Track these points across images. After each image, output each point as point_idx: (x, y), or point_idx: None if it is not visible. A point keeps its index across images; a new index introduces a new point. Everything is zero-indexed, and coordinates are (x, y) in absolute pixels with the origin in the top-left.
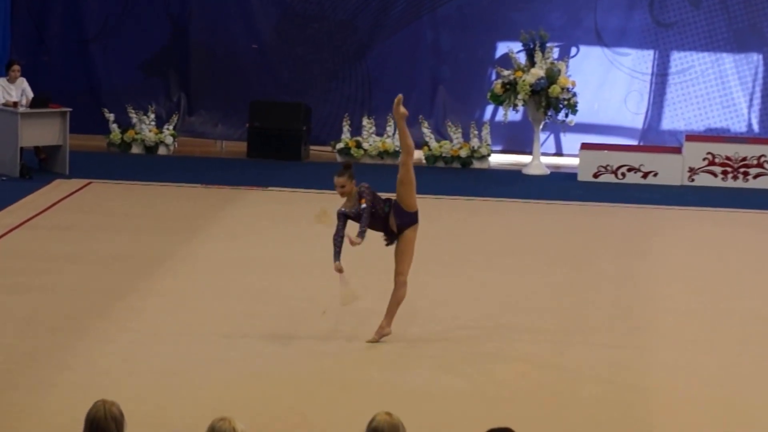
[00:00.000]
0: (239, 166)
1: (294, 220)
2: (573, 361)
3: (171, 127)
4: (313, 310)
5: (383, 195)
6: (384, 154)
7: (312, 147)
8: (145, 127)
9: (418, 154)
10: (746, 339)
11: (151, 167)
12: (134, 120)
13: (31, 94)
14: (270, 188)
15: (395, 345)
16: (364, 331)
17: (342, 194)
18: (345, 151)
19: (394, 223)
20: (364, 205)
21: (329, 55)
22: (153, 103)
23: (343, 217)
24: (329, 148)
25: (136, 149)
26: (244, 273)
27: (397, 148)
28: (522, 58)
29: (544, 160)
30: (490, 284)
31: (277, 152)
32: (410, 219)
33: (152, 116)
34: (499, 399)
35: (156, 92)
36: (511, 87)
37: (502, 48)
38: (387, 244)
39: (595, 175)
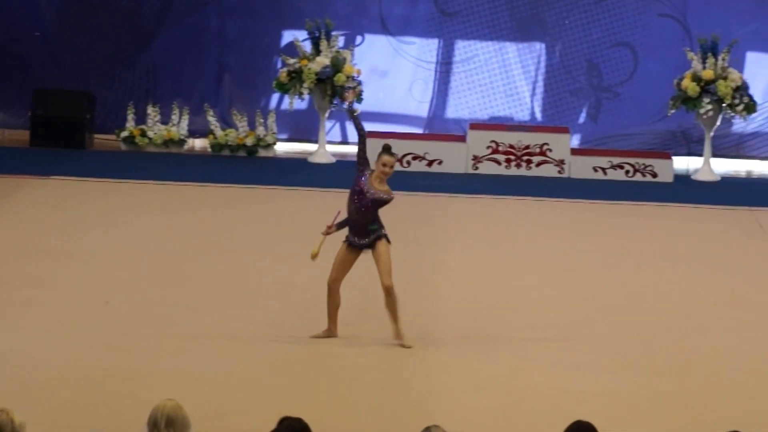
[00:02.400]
0: (21, 155)
1: (74, 209)
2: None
3: None
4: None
5: None
6: (169, 142)
7: (96, 135)
8: None
9: (203, 143)
10: (532, 325)
11: None
12: None
13: None
14: (53, 177)
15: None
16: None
17: (386, 176)
18: (130, 140)
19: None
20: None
21: (114, 42)
22: None
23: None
24: (114, 137)
25: None
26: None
27: (183, 137)
28: (308, 47)
29: (330, 148)
30: (265, 272)
31: (60, 141)
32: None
33: None
34: None
35: None
36: (296, 75)
37: (287, 36)
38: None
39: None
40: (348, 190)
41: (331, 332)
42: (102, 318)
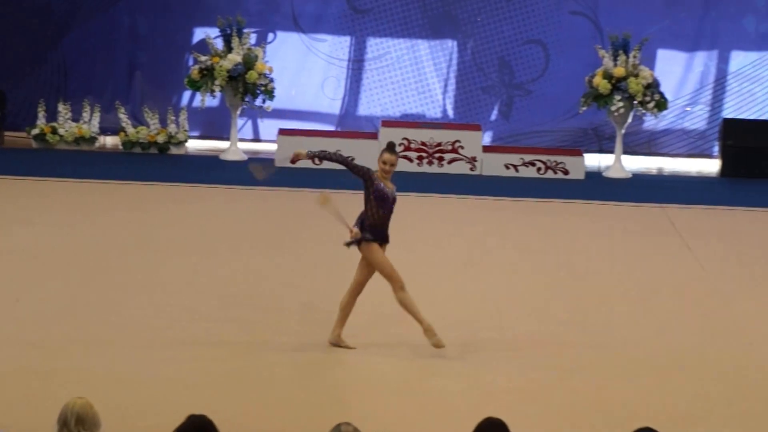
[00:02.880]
0: None
1: None
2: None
3: None
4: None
5: None
6: (80, 140)
7: (7, 133)
8: None
9: (115, 141)
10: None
11: None
12: None
13: None
14: None
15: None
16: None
17: (388, 174)
18: (41, 137)
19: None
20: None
21: (25, 39)
22: None
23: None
24: (24, 134)
25: None
26: None
27: (94, 134)
28: (219, 44)
29: (242, 145)
30: (185, 269)
31: None
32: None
33: None
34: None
35: None
36: (208, 73)
37: (199, 33)
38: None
39: (293, 161)
40: (230, 188)
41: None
42: (11, 316)
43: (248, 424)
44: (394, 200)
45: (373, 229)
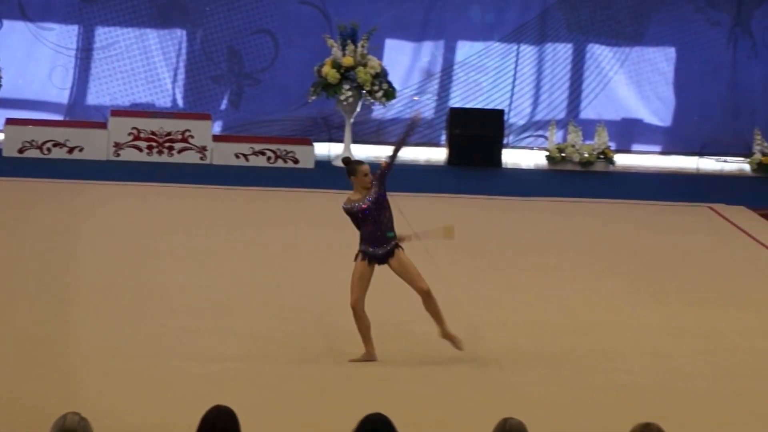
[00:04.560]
0: None
1: None
2: None
3: None
4: None
5: None
6: None
7: None
8: None
9: None
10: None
11: None
12: None
13: None
14: None
15: None
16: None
17: (370, 184)
18: None
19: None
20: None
21: None
22: None
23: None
24: None
25: None
26: None
27: None
28: None
29: None
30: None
31: None
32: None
33: None
34: None
35: None
36: None
37: None
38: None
39: (21, 151)
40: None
41: (370, 355)
42: None
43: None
44: (373, 205)
45: (374, 242)
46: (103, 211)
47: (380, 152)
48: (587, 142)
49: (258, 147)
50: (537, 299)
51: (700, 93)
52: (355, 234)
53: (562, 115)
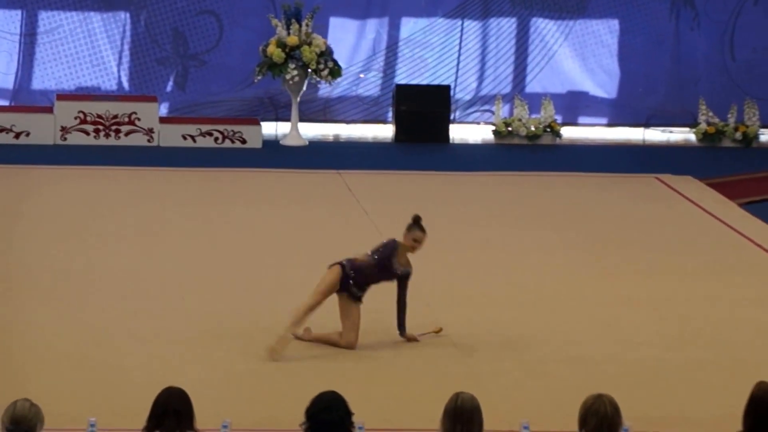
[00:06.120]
0: None
1: None
2: None
3: None
4: None
5: None
6: None
7: None
8: None
9: None
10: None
11: None
12: None
13: None
14: None
15: None
16: None
17: (414, 252)
18: None
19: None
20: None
21: None
22: None
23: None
24: None
25: None
26: None
27: None
28: None
29: None
30: None
31: None
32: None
33: None
34: None
35: None
36: None
37: None
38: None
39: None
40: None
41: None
42: None
43: None
44: (397, 276)
45: (358, 272)
46: (50, 194)
47: (327, 130)
48: (533, 116)
49: (205, 128)
50: (487, 274)
51: (645, 64)
52: (308, 217)
53: (507, 90)
